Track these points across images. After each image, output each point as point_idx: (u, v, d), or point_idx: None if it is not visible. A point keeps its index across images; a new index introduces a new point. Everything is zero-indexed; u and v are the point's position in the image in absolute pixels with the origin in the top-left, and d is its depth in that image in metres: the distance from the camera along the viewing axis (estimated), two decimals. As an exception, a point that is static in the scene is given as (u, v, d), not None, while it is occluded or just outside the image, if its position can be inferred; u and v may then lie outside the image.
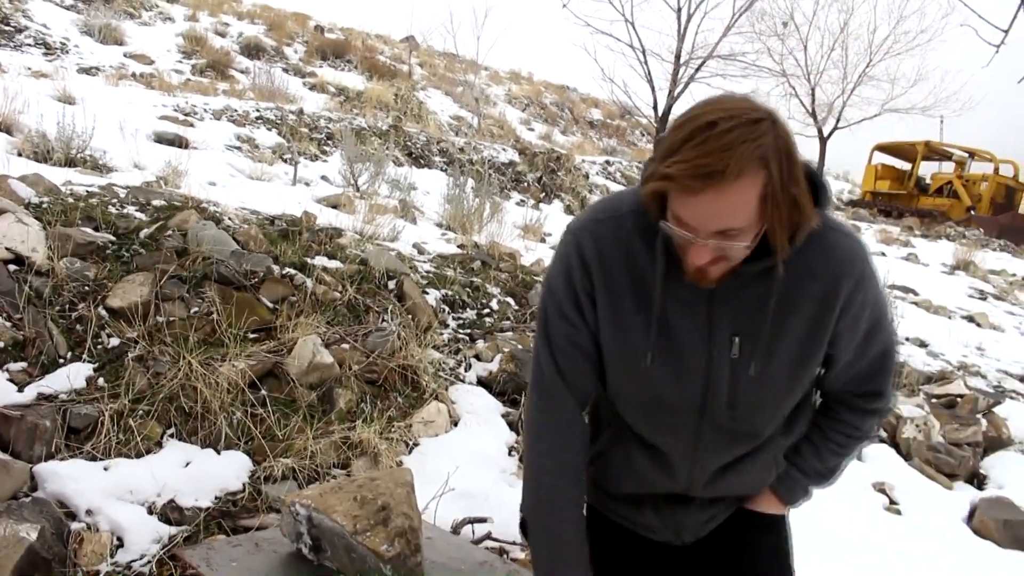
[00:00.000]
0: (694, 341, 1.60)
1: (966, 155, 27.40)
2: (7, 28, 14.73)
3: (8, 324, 3.90)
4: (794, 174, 1.40)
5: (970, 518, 5.01)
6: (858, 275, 1.60)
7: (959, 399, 6.58)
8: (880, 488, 5.19)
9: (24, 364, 3.82)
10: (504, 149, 15.59)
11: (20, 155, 6.87)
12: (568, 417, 1.71)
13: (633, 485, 1.85)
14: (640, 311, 1.61)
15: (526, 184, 14.53)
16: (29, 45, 14.51)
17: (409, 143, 13.89)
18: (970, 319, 10.69)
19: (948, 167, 28.38)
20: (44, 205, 4.83)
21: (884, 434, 6.02)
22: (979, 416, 6.30)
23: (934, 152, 27.50)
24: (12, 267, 4.18)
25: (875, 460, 5.55)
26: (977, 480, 5.75)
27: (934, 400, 6.60)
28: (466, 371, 5.19)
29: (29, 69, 11.97)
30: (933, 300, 11.21)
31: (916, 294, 11.55)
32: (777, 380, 1.64)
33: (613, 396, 1.76)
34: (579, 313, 1.67)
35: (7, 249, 4.20)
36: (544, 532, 1.74)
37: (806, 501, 1.94)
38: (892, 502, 5.10)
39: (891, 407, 1.82)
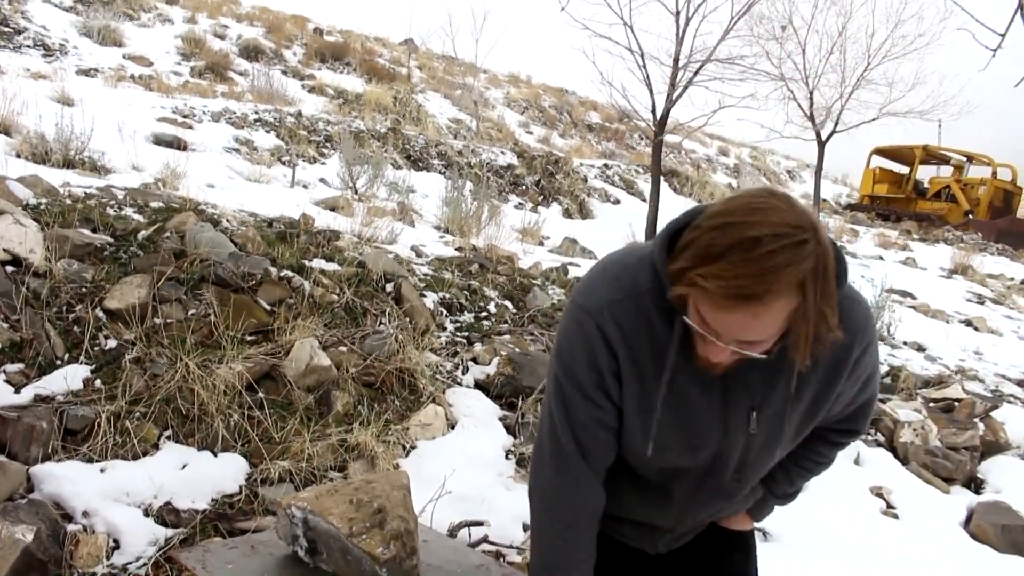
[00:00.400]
0: (711, 417, 1.62)
1: (964, 159, 27.45)
2: (6, 29, 14.73)
3: (5, 325, 3.90)
4: (828, 291, 1.37)
5: (967, 522, 5.01)
6: (866, 342, 1.64)
7: (957, 403, 6.58)
8: (877, 492, 5.19)
9: (21, 365, 3.81)
10: (502, 152, 15.59)
11: (19, 156, 6.88)
12: (586, 493, 1.71)
13: (617, 511, 1.87)
14: (661, 388, 1.61)
15: (524, 187, 14.54)
16: (28, 46, 14.51)
17: (408, 146, 13.89)
18: (968, 323, 10.70)
19: (946, 171, 28.42)
20: (42, 206, 4.83)
21: (882, 438, 6.02)
22: (977, 420, 6.30)
23: (932, 156, 27.53)
24: (10, 268, 4.18)
25: (872, 464, 5.55)
26: (974, 484, 5.75)
27: (932, 404, 6.60)
28: (463, 374, 5.19)
29: (28, 70, 11.97)
30: (931, 304, 11.22)
31: (914, 298, 11.57)
32: (784, 444, 1.70)
33: (623, 454, 1.75)
34: (604, 394, 1.64)
35: (5, 250, 4.20)
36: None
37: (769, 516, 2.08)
38: (889, 506, 5.09)
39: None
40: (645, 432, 1.64)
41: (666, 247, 1.49)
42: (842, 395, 1.70)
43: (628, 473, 1.77)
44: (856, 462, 5.54)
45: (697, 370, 1.56)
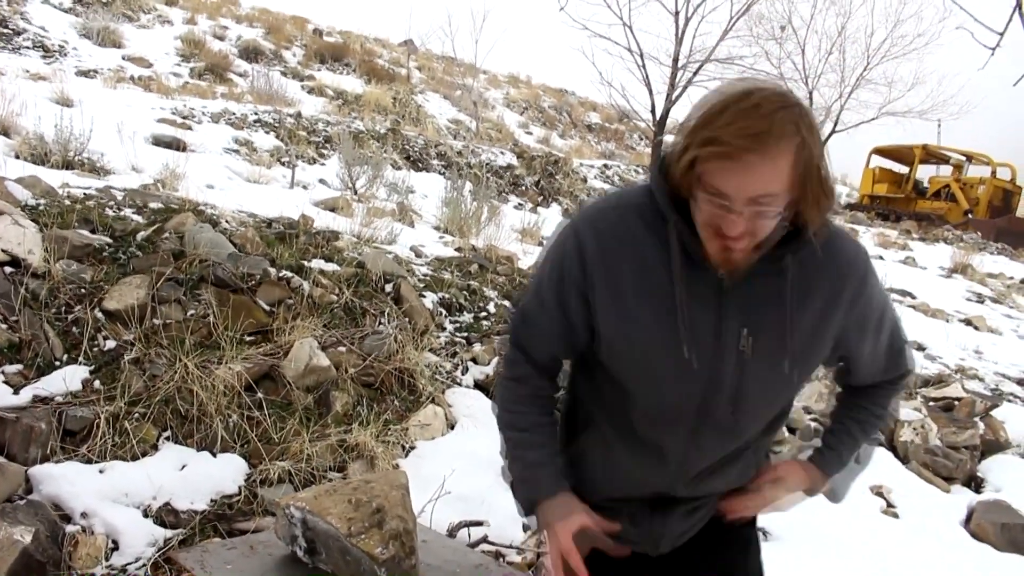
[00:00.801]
0: (703, 334, 1.58)
1: (964, 158, 27.47)
2: (6, 31, 14.74)
3: (4, 326, 3.90)
4: (820, 147, 1.44)
5: (967, 521, 5.01)
6: (861, 275, 1.64)
7: (957, 402, 6.57)
8: (877, 491, 5.18)
9: (20, 366, 3.82)
10: (502, 152, 15.59)
11: (18, 157, 6.87)
12: (529, 376, 1.80)
13: (611, 487, 1.84)
14: (647, 305, 1.58)
15: (524, 188, 14.54)
16: (27, 48, 14.51)
17: (407, 146, 13.89)
18: (968, 322, 10.69)
19: (946, 170, 28.44)
20: (41, 207, 4.83)
21: (881, 437, 6.01)
22: (977, 419, 6.29)
23: (932, 155, 27.56)
24: (8, 269, 4.18)
25: (872, 463, 5.53)
26: (975, 483, 5.75)
27: (931, 403, 6.59)
28: (463, 374, 5.19)
29: (27, 71, 11.95)
30: (931, 303, 11.21)
31: (914, 297, 11.56)
32: (779, 377, 1.63)
33: (617, 387, 1.72)
34: (558, 302, 1.67)
35: (3, 251, 4.20)
36: (515, 442, 1.80)
37: (830, 489, 2.00)
38: (889, 505, 5.09)
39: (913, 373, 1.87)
40: (638, 347, 1.62)
41: (660, 167, 1.56)
42: (852, 338, 1.69)
43: (607, 434, 1.78)
44: (856, 461, 5.53)
45: (690, 288, 1.56)
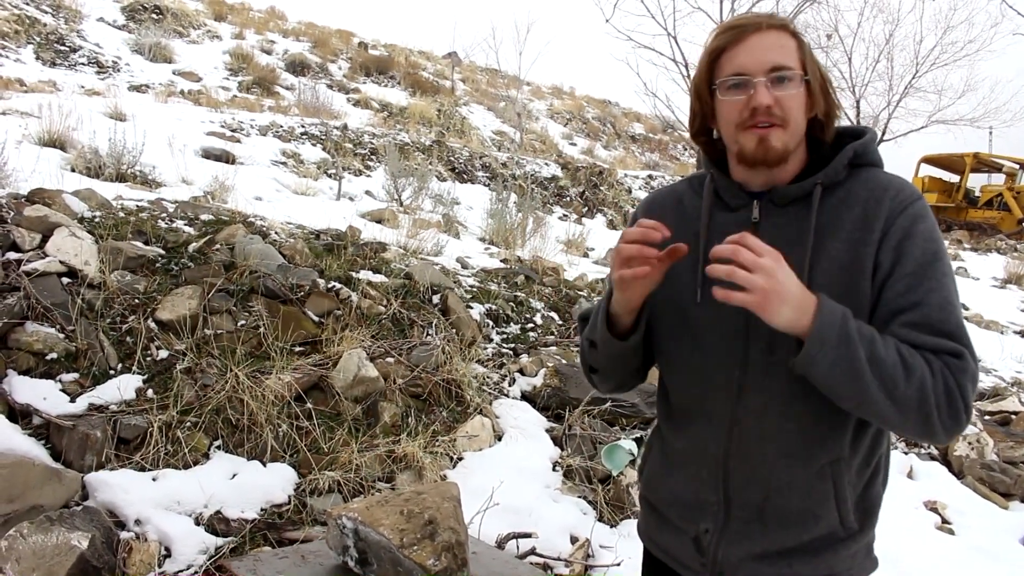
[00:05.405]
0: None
1: (1017, 167, 26.83)
2: (63, 48, 15.11)
3: (61, 336, 3.97)
4: (816, 57, 1.58)
5: (1027, 539, 4.88)
6: (903, 200, 1.53)
7: (1013, 416, 6.42)
8: (932, 507, 5.07)
9: (76, 375, 3.89)
10: (546, 164, 15.60)
11: (73, 170, 7.03)
12: None
13: (668, 481, 1.79)
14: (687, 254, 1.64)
15: (568, 199, 14.53)
16: (83, 64, 14.87)
17: (452, 158, 13.96)
18: (1023, 334, 10.45)
19: (998, 179, 27.79)
20: (96, 219, 4.93)
21: (935, 451, 5.89)
22: (1035, 434, 6.13)
23: (983, 164, 26.95)
24: (66, 280, 4.27)
25: (926, 478, 5.43)
26: (1034, 500, 5.59)
27: (987, 417, 6.44)
28: (510, 386, 5.17)
29: (83, 87, 12.25)
30: (984, 315, 10.98)
31: (966, 309, 11.31)
32: None
33: (662, 354, 1.75)
34: None
35: (61, 262, 4.29)
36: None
37: (824, 355, 1.39)
38: (945, 521, 4.97)
39: (971, 368, 1.43)
40: (679, 294, 1.67)
41: (694, 132, 1.75)
42: (891, 274, 1.49)
43: (668, 426, 1.80)
44: (909, 476, 5.43)
45: (724, 227, 1.60)
